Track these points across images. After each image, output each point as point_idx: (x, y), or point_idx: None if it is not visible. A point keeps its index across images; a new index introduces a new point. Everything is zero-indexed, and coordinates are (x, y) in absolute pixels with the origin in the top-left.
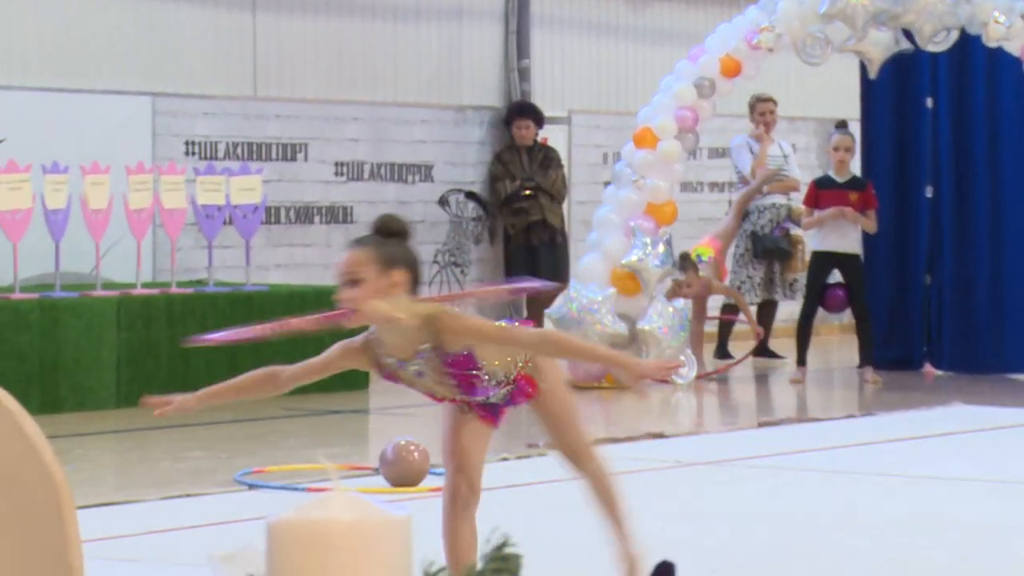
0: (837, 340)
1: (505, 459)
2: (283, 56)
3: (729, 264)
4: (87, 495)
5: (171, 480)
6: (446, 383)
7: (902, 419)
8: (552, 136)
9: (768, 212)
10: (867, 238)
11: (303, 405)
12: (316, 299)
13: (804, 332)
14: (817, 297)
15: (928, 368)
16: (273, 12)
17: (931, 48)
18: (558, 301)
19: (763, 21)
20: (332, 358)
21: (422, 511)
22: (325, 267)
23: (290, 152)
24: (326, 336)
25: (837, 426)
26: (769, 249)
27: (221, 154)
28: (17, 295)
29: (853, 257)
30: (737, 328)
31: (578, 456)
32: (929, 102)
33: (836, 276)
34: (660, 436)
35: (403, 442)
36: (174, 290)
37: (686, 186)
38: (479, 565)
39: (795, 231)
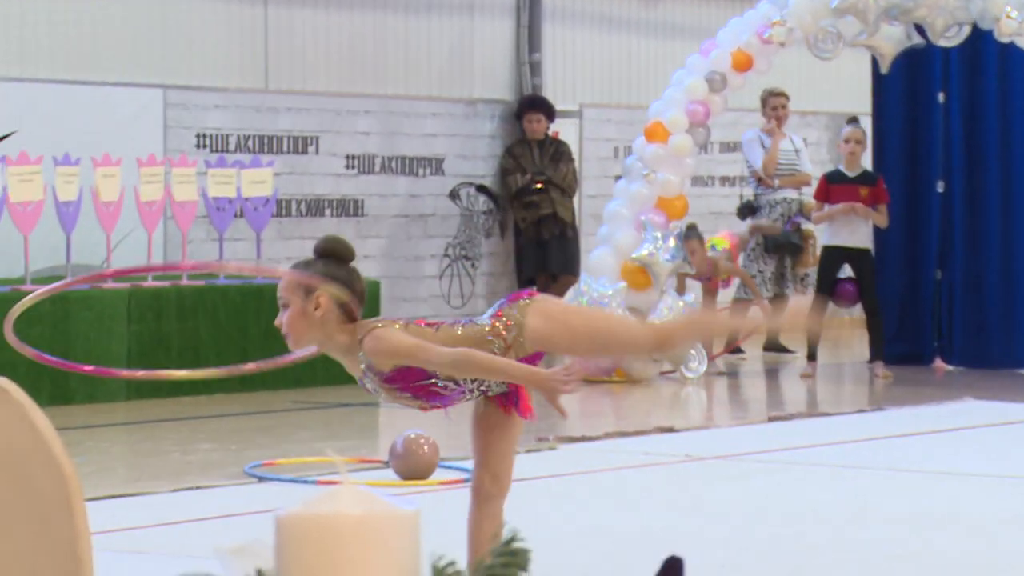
0: (848, 335)
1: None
2: (294, 49)
3: (740, 260)
4: (97, 487)
5: (181, 472)
6: (401, 397)
7: (912, 414)
8: (563, 130)
9: (780, 207)
10: (878, 233)
11: (313, 398)
12: None
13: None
14: (828, 292)
15: (939, 363)
16: (285, 5)
17: (943, 43)
18: (569, 294)
19: (775, 15)
20: None
21: (432, 504)
22: None
23: (301, 145)
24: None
25: (847, 421)
26: (780, 244)
27: (232, 147)
28: (28, 287)
29: (864, 252)
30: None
31: (505, 471)
32: (941, 97)
33: (847, 271)
34: (670, 430)
35: (413, 435)
36: (185, 282)
37: (697, 180)
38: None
39: (806, 226)
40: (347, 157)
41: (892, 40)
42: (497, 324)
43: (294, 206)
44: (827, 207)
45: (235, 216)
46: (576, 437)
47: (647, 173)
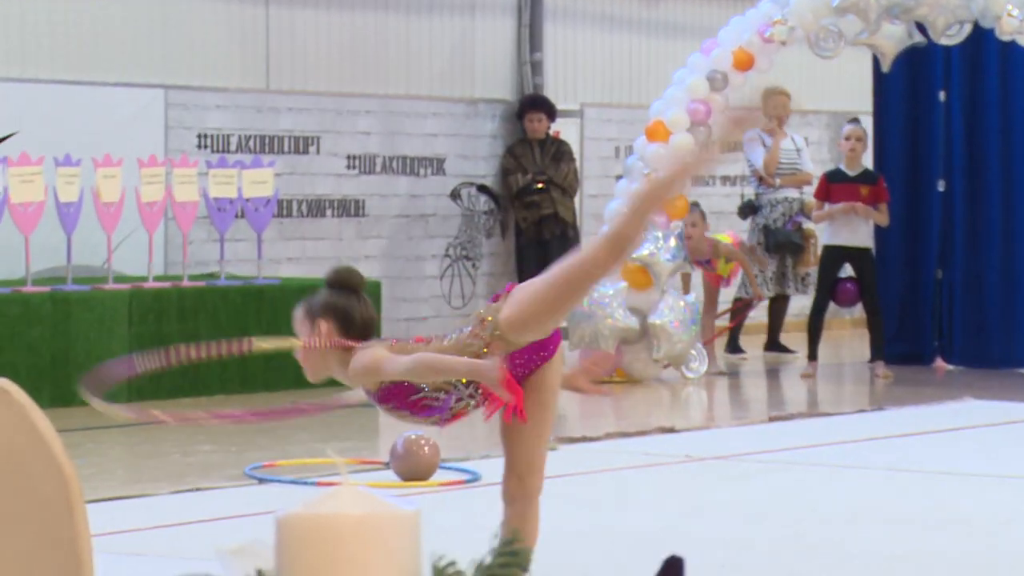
0: (848, 334)
1: None
2: (295, 49)
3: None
4: (97, 489)
5: (181, 474)
6: (403, 415)
7: (913, 414)
8: (564, 129)
9: (780, 206)
10: (879, 232)
11: (313, 399)
12: None
13: (815, 326)
14: (828, 291)
15: (939, 363)
16: (286, 5)
17: (944, 41)
18: None
19: (776, 14)
20: None
21: (432, 506)
22: (337, 260)
23: (302, 145)
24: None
25: (848, 421)
26: (781, 243)
27: (233, 147)
28: (29, 288)
29: (864, 251)
30: (747, 322)
31: (529, 472)
32: (942, 95)
33: (848, 270)
34: (671, 430)
35: (413, 436)
36: (186, 283)
37: (698, 180)
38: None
39: (807, 225)
40: (348, 157)
41: (893, 39)
42: (475, 326)
43: (295, 206)
44: (827, 206)
45: (236, 216)
46: (576, 438)
47: (648, 172)
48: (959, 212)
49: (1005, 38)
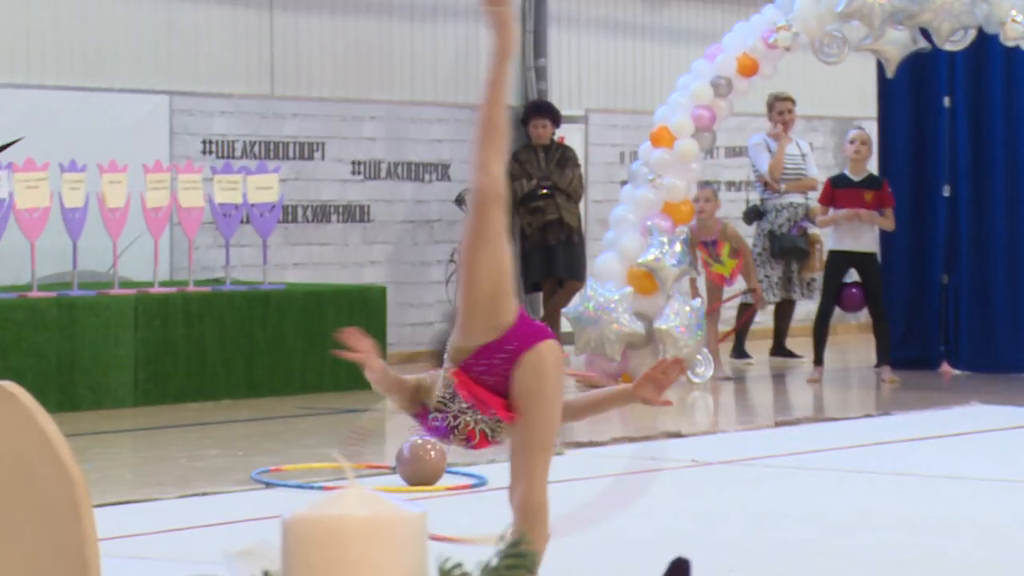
0: (854, 339)
1: None
2: (300, 55)
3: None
4: (104, 493)
5: (188, 478)
6: (441, 440)
7: (919, 419)
8: (569, 135)
9: (786, 211)
10: (884, 237)
11: (320, 404)
12: (333, 298)
13: (821, 331)
14: (834, 296)
15: (946, 368)
16: (291, 11)
17: (948, 47)
18: (575, 301)
19: (780, 20)
20: None
21: (439, 510)
22: (342, 266)
23: (307, 151)
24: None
25: (854, 426)
26: (787, 248)
27: (238, 153)
28: (35, 293)
29: (870, 256)
30: (753, 327)
31: (514, 481)
32: (947, 101)
33: (853, 275)
34: (677, 435)
35: (420, 441)
36: (191, 289)
37: (703, 185)
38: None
39: (813, 230)
40: (353, 163)
41: (897, 44)
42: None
43: (300, 212)
44: (832, 211)
45: (241, 222)
46: (583, 442)
47: (653, 178)
48: (964, 217)
49: (1009, 44)
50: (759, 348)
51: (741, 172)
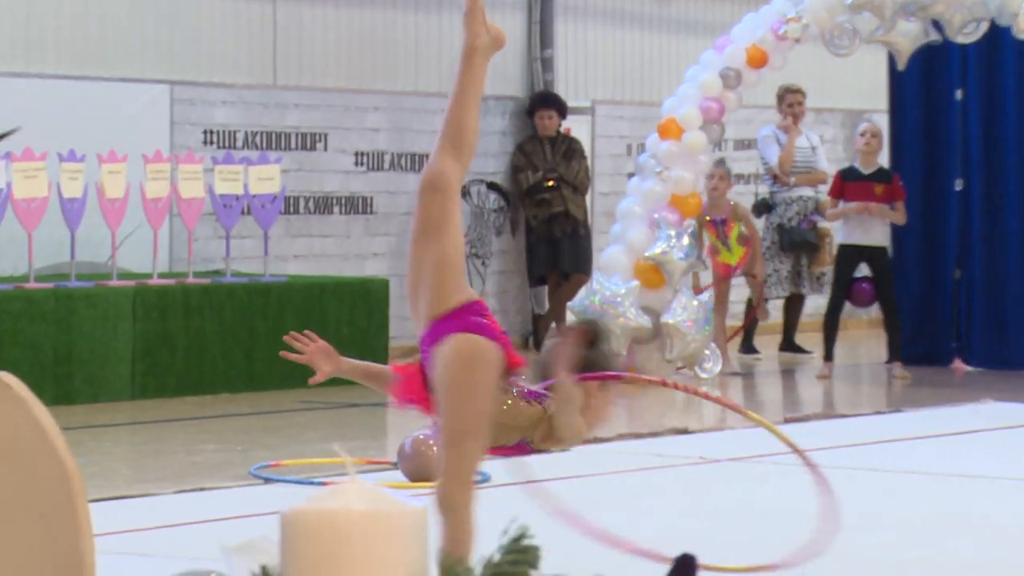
0: (865, 335)
1: None
2: (303, 45)
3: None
4: (100, 488)
5: (186, 474)
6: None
7: (931, 416)
8: (575, 127)
9: (795, 205)
10: (896, 231)
11: (320, 398)
12: (335, 291)
13: (831, 326)
14: (844, 291)
15: (958, 364)
16: (294, 1)
17: (960, 39)
18: (581, 294)
19: (790, 11)
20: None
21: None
22: (344, 258)
23: (309, 141)
24: None
25: (865, 422)
26: (796, 242)
27: (240, 143)
28: (32, 284)
29: (880, 250)
30: (762, 323)
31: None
32: (959, 94)
33: (864, 270)
34: (684, 432)
35: (422, 436)
36: (191, 280)
37: (717, 163)
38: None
39: (823, 224)
40: (356, 154)
41: (909, 36)
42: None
43: (302, 203)
44: (842, 204)
45: (242, 213)
46: (588, 439)
47: (660, 170)
48: (977, 211)
49: (1022, 36)
50: (768, 343)
51: (750, 165)
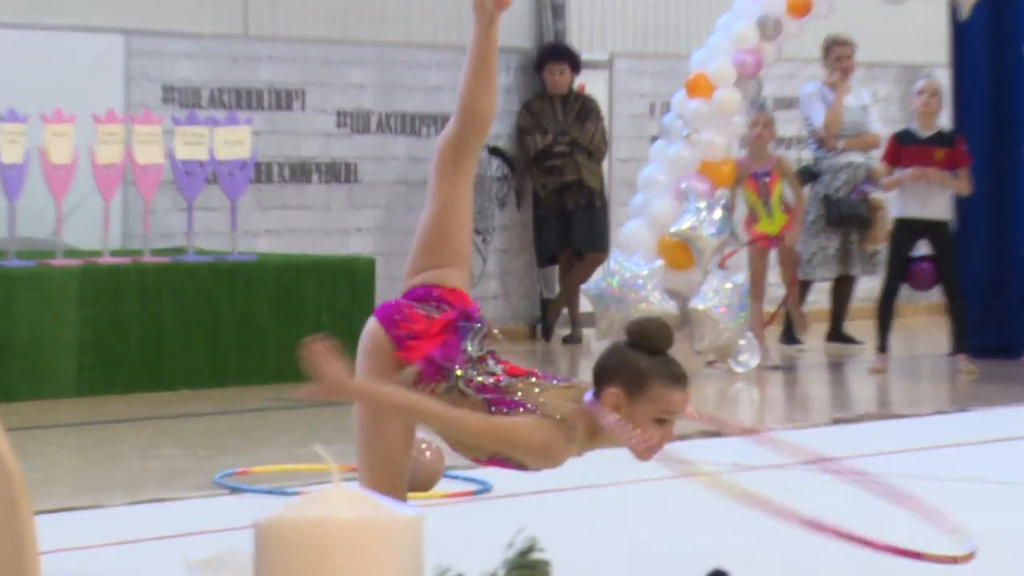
0: (924, 323)
1: None
2: None
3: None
4: (43, 498)
5: (141, 482)
6: None
7: (1001, 416)
8: (590, 83)
9: (844, 173)
10: (959, 204)
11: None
12: (313, 271)
13: (885, 313)
14: (900, 272)
15: None
16: None
17: None
18: (596, 276)
19: None
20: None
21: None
22: (324, 234)
23: (284, 100)
24: None
25: (925, 424)
26: (845, 216)
27: (204, 101)
28: None
29: (941, 225)
30: (807, 308)
31: None
32: None
33: (923, 247)
34: (715, 435)
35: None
36: (147, 259)
37: (759, 108)
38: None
39: (875, 194)
40: (338, 114)
41: None
42: None
43: (276, 170)
44: (897, 172)
45: (206, 182)
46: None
47: (688, 133)
48: None
49: None
50: (813, 332)
51: (792, 127)
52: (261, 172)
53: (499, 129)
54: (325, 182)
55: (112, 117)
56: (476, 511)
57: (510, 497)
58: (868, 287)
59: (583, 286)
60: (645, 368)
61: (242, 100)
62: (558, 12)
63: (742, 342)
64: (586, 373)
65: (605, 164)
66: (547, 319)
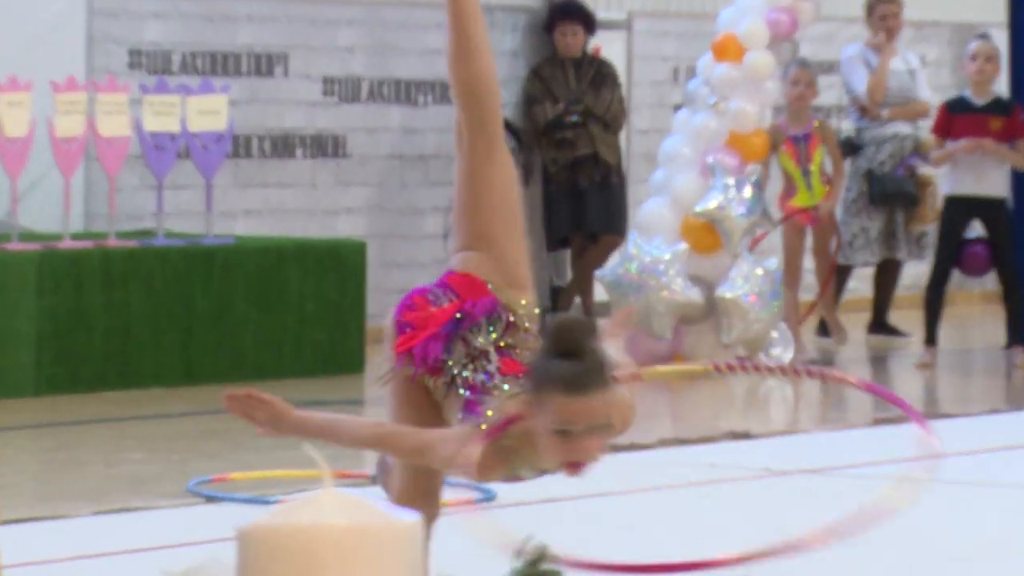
0: (978, 312)
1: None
2: None
3: (839, 214)
4: None
5: (106, 490)
6: None
7: None
8: (606, 45)
9: (889, 145)
10: (1017, 179)
11: (278, 393)
12: (297, 256)
13: (934, 302)
14: (951, 256)
15: None
16: None
17: None
18: (612, 261)
19: None
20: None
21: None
22: (309, 214)
23: (265, 65)
24: None
25: (977, 424)
26: (890, 193)
27: (175, 67)
28: None
29: (997, 203)
30: (848, 296)
31: None
32: None
33: (977, 229)
34: (745, 436)
35: None
36: (112, 243)
37: (780, 111)
38: None
39: (924, 169)
40: (324, 81)
41: None
42: None
43: (255, 144)
44: (949, 144)
45: (178, 157)
46: (623, 445)
47: (716, 101)
48: None
49: None
50: (854, 323)
51: (831, 95)
52: (239, 146)
53: (504, 97)
54: (310, 157)
55: (73, 85)
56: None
57: (514, 506)
58: (915, 273)
59: (598, 272)
60: (542, 373)
61: (218, 65)
62: None
63: (774, 334)
64: None
65: (622, 136)
66: (558, 309)
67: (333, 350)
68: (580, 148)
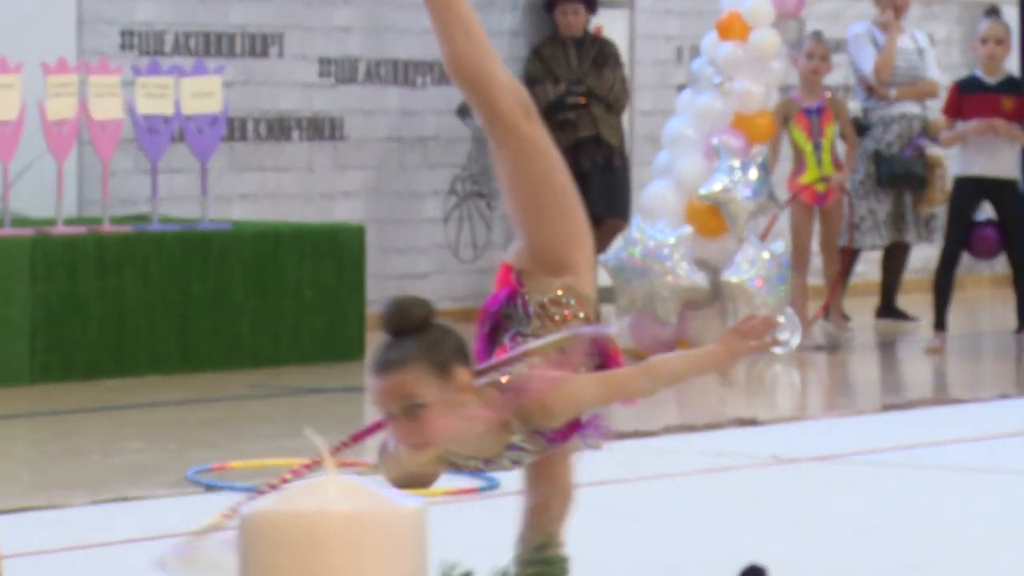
0: (988, 296)
1: None
2: None
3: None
4: None
5: (103, 479)
6: (548, 448)
7: None
8: (608, 25)
9: (897, 125)
10: None
11: (276, 381)
12: (294, 241)
13: (944, 286)
14: (961, 239)
15: None
16: None
17: None
18: (616, 245)
19: None
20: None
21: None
22: (306, 198)
23: (260, 45)
24: None
25: (987, 410)
26: (898, 175)
27: (168, 48)
28: None
29: (1008, 185)
30: (856, 280)
31: None
32: None
33: (988, 211)
34: (752, 423)
35: None
36: (107, 228)
37: (786, 90)
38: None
39: (933, 150)
40: (320, 61)
41: None
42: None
43: (251, 127)
44: (959, 125)
45: (172, 140)
46: (627, 432)
47: (721, 81)
48: None
49: None
50: (862, 307)
51: (837, 74)
52: (234, 128)
53: None
54: (307, 139)
55: (64, 67)
56: (481, 509)
57: (518, 494)
58: (924, 256)
59: (601, 257)
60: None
61: (211, 46)
62: None
63: (781, 319)
64: None
65: (625, 117)
66: None
67: (332, 337)
68: (582, 130)
